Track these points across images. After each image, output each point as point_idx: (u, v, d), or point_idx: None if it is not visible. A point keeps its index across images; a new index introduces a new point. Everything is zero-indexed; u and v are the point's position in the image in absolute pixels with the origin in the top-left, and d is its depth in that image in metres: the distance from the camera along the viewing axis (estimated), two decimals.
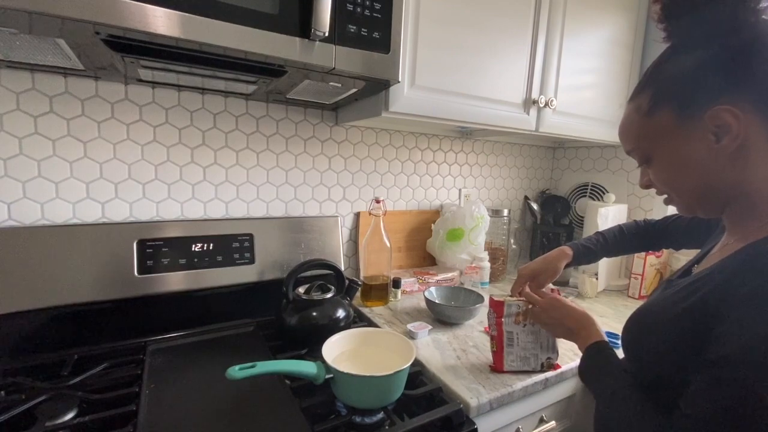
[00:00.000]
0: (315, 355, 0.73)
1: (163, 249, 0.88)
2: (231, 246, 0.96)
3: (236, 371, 0.57)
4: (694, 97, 0.47)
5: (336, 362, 0.65)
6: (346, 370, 0.61)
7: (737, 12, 0.44)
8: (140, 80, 0.86)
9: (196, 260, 0.91)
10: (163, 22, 0.57)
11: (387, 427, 0.63)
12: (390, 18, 0.75)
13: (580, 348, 0.64)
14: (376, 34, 0.75)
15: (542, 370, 0.78)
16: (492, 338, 0.78)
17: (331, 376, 0.63)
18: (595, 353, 0.60)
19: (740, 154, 0.46)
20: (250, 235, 0.99)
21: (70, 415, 0.62)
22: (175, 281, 0.89)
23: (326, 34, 0.67)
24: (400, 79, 0.81)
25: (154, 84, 0.91)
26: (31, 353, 0.76)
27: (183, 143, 0.97)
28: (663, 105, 0.49)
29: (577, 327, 0.66)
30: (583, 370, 0.61)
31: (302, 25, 0.67)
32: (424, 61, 0.90)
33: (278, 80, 0.80)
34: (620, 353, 0.60)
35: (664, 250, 1.30)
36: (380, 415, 0.65)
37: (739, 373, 0.39)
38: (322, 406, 0.67)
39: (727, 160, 0.47)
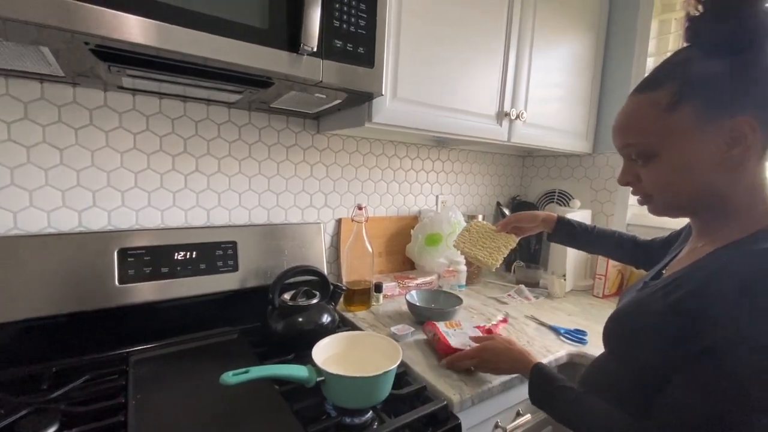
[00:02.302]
0: (302, 360, 0.75)
1: (145, 258, 0.87)
2: (214, 254, 0.96)
3: (230, 377, 0.58)
4: (722, 102, 0.48)
5: (326, 365, 0.67)
6: (336, 373, 0.64)
7: (759, 31, 0.46)
8: (121, 87, 0.85)
9: (178, 268, 0.90)
10: (157, 36, 0.58)
11: (376, 426, 0.65)
12: (374, 34, 0.79)
13: (521, 372, 0.73)
14: (361, 50, 0.78)
15: None
16: (432, 339, 0.90)
17: (322, 378, 0.66)
18: (537, 374, 0.68)
19: (739, 164, 0.50)
20: (234, 243, 0.99)
21: (52, 430, 0.60)
22: (158, 290, 0.88)
23: (314, 49, 0.70)
24: (383, 92, 0.85)
25: (134, 91, 0.90)
26: (5, 368, 0.73)
27: (164, 150, 0.96)
28: (687, 103, 0.49)
29: (512, 362, 0.75)
30: (533, 392, 0.68)
31: (291, 40, 0.69)
32: (405, 75, 0.95)
33: (265, 91, 0.82)
34: (589, 348, 0.66)
35: None
36: (369, 415, 0.68)
37: (723, 367, 0.43)
38: (312, 409, 0.69)
39: (728, 168, 0.50)
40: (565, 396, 0.61)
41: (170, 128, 0.96)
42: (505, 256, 0.95)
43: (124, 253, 0.85)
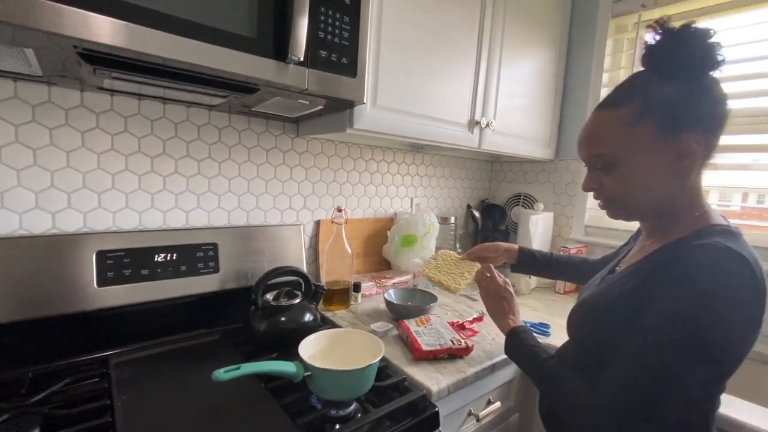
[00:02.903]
0: (285, 358, 0.77)
1: (125, 260, 0.86)
2: (195, 255, 0.96)
3: (222, 373, 0.61)
4: (675, 121, 0.56)
5: (312, 361, 0.70)
6: (322, 367, 0.67)
7: (705, 60, 0.55)
8: (100, 88, 0.85)
9: (159, 270, 0.90)
10: (150, 42, 0.59)
11: (360, 416, 0.70)
12: (357, 45, 0.83)
13: (503, 327, 0.82)
14: (344, 60, 0.82)
15: (454, 345, 0.89)
16: (405, 339, 0.94)
17: (309, 373, 0.69)
18: (521, 332, 0.78)
19: (686, 175, 0.58)
20: (215, 245, 1.00)
21: None
22: (138, 292, 0.87)
23: (301, 59, 0.73)
24: (365, 101, 0.89)
25: (112, 92, 0.89)
26: None
27: (143, 152, 0.95)
28: (646, 120, 0.57)
29: (508, 311, 0.84)
30: (511, 346, 0.78)
31: (278, 49, 0.72)
32: (385, 84, 1.00)
33: (250, 96, 0.84)
34: (552, 340, 0.74)
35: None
36: (353, 407, 0.72)
37: (657, 340, 0.52)
38: (299, 403, 0.72)
39: (677, 177, 0.59)
40: (535, 357, 0.72)
41: (149, 130, 0.96)
42: (468, 281, 0.98)
43: (102, 255, 0.84)
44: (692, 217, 0.61)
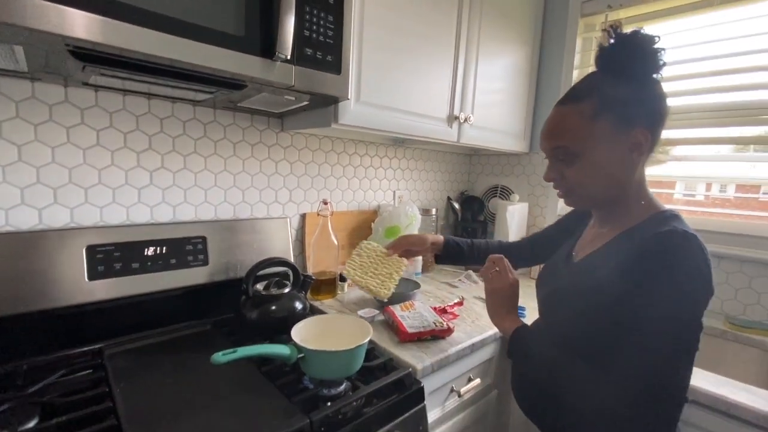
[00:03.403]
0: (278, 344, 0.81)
1: (115, 254, 0.88)
2: (184, 249, 0.98)
3: (220, 356, 0.64)
4: (628, 116, 0.62)
5: (304, 344, 0.74)
6: (315, 349, 0.72)
7: (650, 63, 0.61)
8: (85, 83, 0.85)
9: (149, 264, 0.92)
10: (140, 40, 0.61)
11: (350, 393, 0.74)
12: (341, 44, 0.87)
13: (504, 329, 0.76)
14: (329, 58, 0.85)
15: (437, 327, 0.94)
16: (391, 324, 0.98)
17: (302, 355, 0.73)
18: (528, 333, 0.74)
19: (635, 166, 0.65)
20: (203, 238, 1.02)
21: (33, 422, 0.62)
22: (129, 285, 0.89)
23: (288, 56, 0.76)
24: (349, 97, 0.93)
25: (97, 87, 0.90)
26: None
27: (129, 147, 0.96)
28: (604, 115, 0.62)
29: (511, 311, 0.78)
30: (517, 347, 0.73)
31: (264, 47, 0.75)
32: (368, 81, 1.03)
33: (237, 92, 0.87)
34: (527, 321, 0.78)
35: None
36: (344, 386, 0.77)
37: (653, 336, 0.55)
38: (292, 384, 0.76)
39: (628, 168, 0.65)
40: (547, 360, 0.69)
41: (135, 125, 0.97)
42: (397, 283, 0.95)
43: (92, 249, 0.85)
44: (641, 205, 0.68)
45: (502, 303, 0.79)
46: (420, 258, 1.44)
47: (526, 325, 0.76)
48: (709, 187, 1.48)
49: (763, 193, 1.36)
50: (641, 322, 0.57)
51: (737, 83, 1.27)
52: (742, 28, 1.27)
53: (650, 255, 0.58)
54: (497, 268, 0.82)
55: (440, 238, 1.03)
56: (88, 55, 0.63)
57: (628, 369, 0.57)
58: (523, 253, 1.04)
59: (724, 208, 1.42)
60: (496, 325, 0.80)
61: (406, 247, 1.00)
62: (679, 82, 1.36)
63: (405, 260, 0.96)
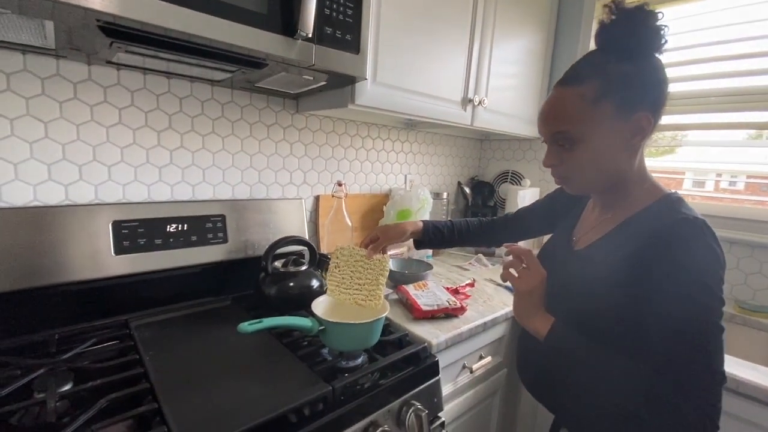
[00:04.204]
0: None
1: (139, 230, 0.90)
2: (204, 226, 1.00)
3: (246, 326, 0.66)
4: (631, 99, 0.59)
5: (325, 316, 0.77)
6: (336, 321, 0.74)
7: (653, 40, 0.58)
8: (108, 61, 0.86)
9: (171, 240, 0.95)
10: (166, 16, 0.62)
11: (368, 363, 0.77)
12: (360, 23, 0.87)
13: (537, 328, 0.67)
14: (348, 37, 0.86)
15: (450, 306, 0.96)
16: (405, 302, 1.01)
17: (323, 327, 0.75)
18: (567, 331, 0.65)
19: (636, 150, 0.63)
20: (222, 216, 1.04)
21: (68, 386, 0.64)
22: (152, 260, 0.92)
23: (309, 35, 0.76)
24: (366, 77, 0.93)
25: (119, 66, 0.91)
26: (7, 336, 0.75)
27: (149, 126, 0.98)
28: (607, 98, 0.59)
29: (540, 306, 0.68)
30: (565, 348, 0.64)
31: (286, 25, 0.76)
32: (384, 62, 1.04)
33: (257, 71, 0.87)
34: None
35: None
36: (362, 358, 0.79)
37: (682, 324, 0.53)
38: (312, 356, 0.79)
39: (629, 153, 0.62)
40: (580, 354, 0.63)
41: (155, 104, 0.98)
42: (383, 285, 0.83)
43: (118, 225, 0.88)
44: (644, 189, 0.66)
45: (534, 302, 0.68)
46: None
47: (558, 321, 0.66)
48: (717, 185, 1.48)
49: None
50: (671, 312, 0.55)
51: (755, 68, 1.25)
52: (758, 12, 1.25)
53: (668, 246, 0.56)
54: (525, 265, 0.70)
55: (419, 224, 0.98)
56: (116, 31, 0.65)
57: (671, 359, 0.54)
58: (509, 228, 1.02)
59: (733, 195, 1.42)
60: (525, 325, 0.70)
61: (385, 244, 0.91)
62: (692, 66, 1.34)
63: (387, 258, 0.85)
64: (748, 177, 1.41)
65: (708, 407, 0.53)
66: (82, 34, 0.68)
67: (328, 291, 0.85)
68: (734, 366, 0.87)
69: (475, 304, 1.08)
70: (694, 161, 1.48)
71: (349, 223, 1.22)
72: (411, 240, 1.03)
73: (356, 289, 0.84)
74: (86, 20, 0.61)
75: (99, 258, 0.85)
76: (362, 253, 0.86)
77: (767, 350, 1.17)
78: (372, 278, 0.83)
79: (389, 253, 1.19)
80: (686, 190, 1.52)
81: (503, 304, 1.09)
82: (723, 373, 0.55)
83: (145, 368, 0.69)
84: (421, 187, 1.48)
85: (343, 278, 0.85)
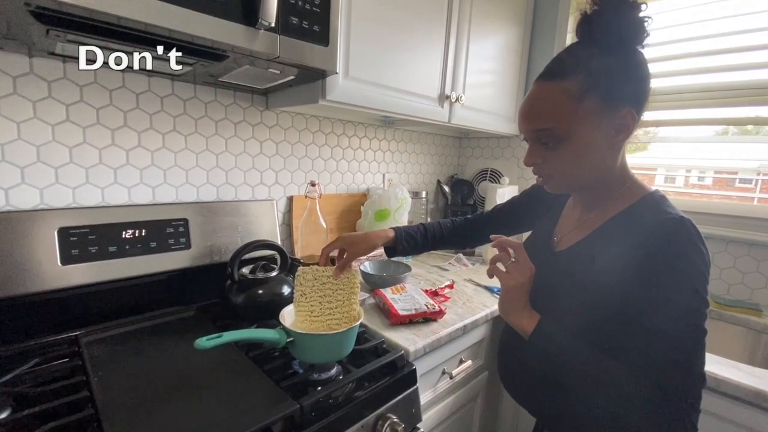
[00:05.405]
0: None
1: (90, 237, 0.83)
2: (165, 231, 0.93)
3: (204, 341, 0.60)
4: (616, 95, 0.56)
5: (294, 327, 0.72)
6: (305, 332, 0.69)
7: (636, 32, 0.56)
8: (51, 53, 0.79)
9: (127, 247, 0.87)
10: (110, 1, 0.56)
11: (342, 377, 0.72)
12: (328, 13, 0.82)
13: (524, 325, 0.64)
14: (316, 27, 0.81)
15: (428, 309, 0.93)
16: (382, 306, 0.97)
17: (291, 339, 0.70)
18: (554, 328, 0.63)
19: (619, 148, 0.60)
20: (185, 220, 0.97)
21: (4, 414, 0.58)
22: (106, 270, 0.84)
23: (272, 24, 0.71)
24: (337, 71, 0.88)
25: (65, 58, 0.83)
26: None
27: (102, 124, 0.90)
28: (592, 93, 0.56)
29: (527, 303, 0.66)
30: (546, 345, 0.62)
31: (246, 13, 0.70)
32: (357, 55, 0.99)
33: (218, 64, 0.81)
34: None
35: None
36: (335, 370, 0.75)
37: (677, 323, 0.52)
38: (281, 369, 0.74)
39: (613, 151, 0.60)
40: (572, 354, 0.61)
41: (108, 100, 0.90)
42: (357, 301, 0.77)
43: (65, 232, 0.80)
44: (626, 187, 0.64)
45: (521, 298, 0.65)
46: None
47: (544, 319, 0.64)
48: (687, 181, 1.50)
49: (740, 179, 1.39)
50: (659, 315, 0.53)
51: (726, 63, 1.26)
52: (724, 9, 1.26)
53: (658, 249, 0.54)
54: (514, 258, 0.67)
55: (390, 233, 0.88)
56: (52, 17, 0.58)
57: (655, 361, 0.53)
58: (485, 228, 0.94)
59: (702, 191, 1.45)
60: (512, 322, 0.66)
61: (353, 260, 0.79)
62: (667, 62, 1.35)
63: (357, 272, 0.79)
64: (716, 172, 1.44)
65: (689, 409, 0.53)
66: (13, 22, 0.61)
67: (297, 322, 0.74)
68: (715, 365, 0.86)
69: (454, 306, 1.04)
70: (665, 157, 1.50)
71: (324, 225, 1.17)
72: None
73: (328, 315, 0.75)
74: (15, 5, 0.54)
75: (43, 269, 0.77)
76: (328, 273, 0.76)
77: (742, 343, 1.19)
78: (344, 298, 0.76)
79: (364, 257, 1.14)
80: (658, 185, 1.53)
81: (483, 305, 1.06)
82: (704, 375, 0.54)
83: (92, 391, 0.62)
84: (399, 186, 1.44)
85: (312, 306, 0.75)
